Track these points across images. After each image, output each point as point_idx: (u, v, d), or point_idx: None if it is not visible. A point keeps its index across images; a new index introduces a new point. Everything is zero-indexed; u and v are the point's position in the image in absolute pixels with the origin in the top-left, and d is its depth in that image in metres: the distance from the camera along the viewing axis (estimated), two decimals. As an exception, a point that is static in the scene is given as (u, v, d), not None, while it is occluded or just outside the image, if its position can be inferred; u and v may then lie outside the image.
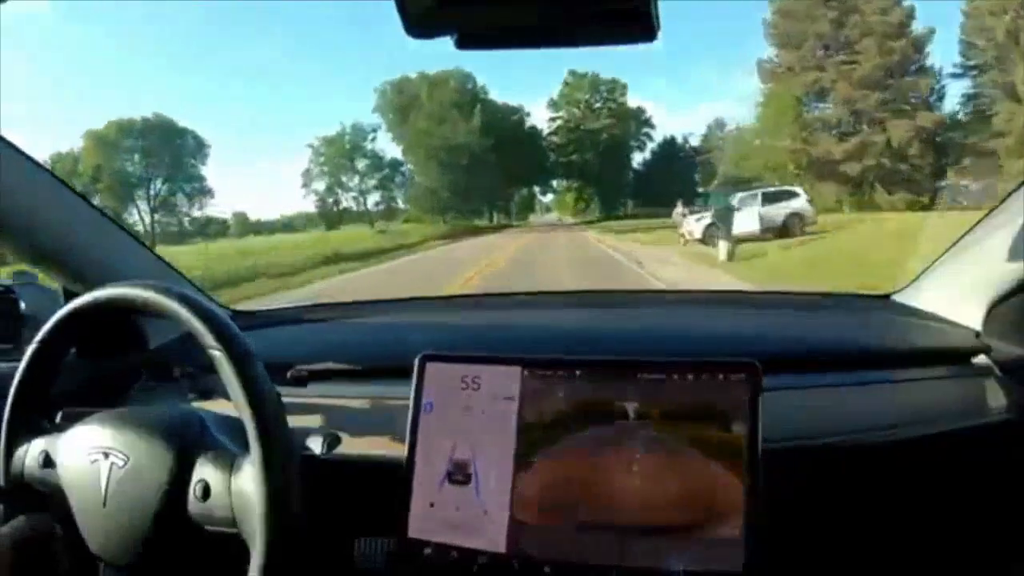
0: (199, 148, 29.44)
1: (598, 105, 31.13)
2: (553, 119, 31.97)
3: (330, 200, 30.96)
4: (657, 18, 0.37)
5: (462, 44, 0.41)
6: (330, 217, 30.35)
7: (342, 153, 30.75)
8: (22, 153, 0.75)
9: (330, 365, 0.82)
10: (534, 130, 32.78)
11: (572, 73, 29.63)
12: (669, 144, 33.11)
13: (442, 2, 0.38)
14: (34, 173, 0.77)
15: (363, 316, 1.11)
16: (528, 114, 32.58)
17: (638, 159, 33.09)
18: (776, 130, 19.21)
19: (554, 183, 34.10)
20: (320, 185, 31.00)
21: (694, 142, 32.35)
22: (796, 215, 11.47)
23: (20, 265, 0.91)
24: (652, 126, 33.05)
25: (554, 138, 31.83)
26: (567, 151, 31.06)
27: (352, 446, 0.70)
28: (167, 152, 27.67)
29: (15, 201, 0.75)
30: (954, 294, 0.82)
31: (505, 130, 30.51)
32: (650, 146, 33.18)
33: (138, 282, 0.61)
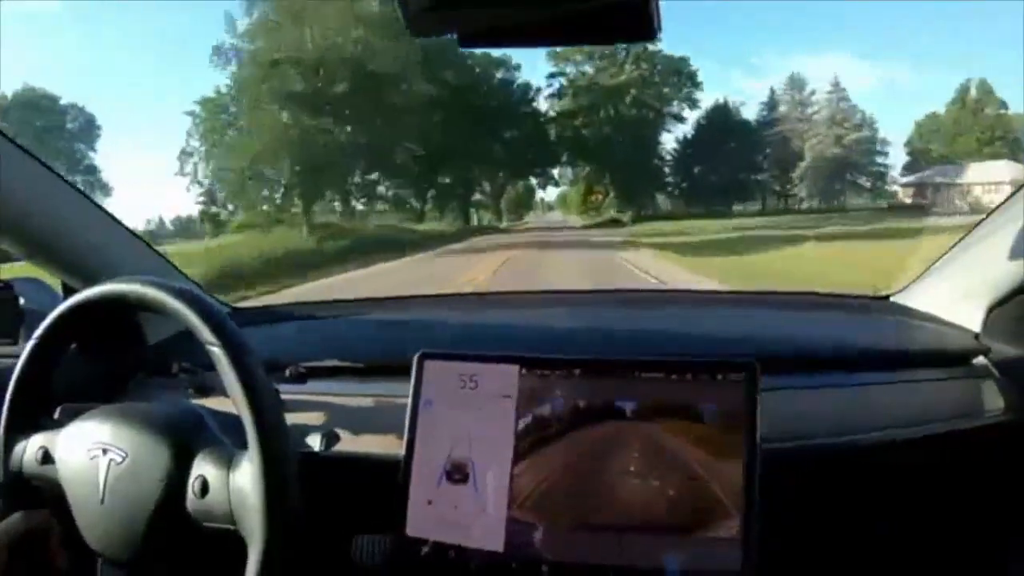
0: (89, 129, 21.13)
1: (620, 56, 19.38)
2: (554, 75, 20.43)
3: (221, 194, 18.07)
4: (659, 16, 0.37)
5: (463, 43, 0.42)
6: (218, 221, 17.99)
7: (231, 121, 17.48)
8: (19, 147, 0.75)
9: (329, 362, 0.82)
10: (527, 88, 20.89)
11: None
12: (720, 112, 20.80)
13: (442, 1, 0.38)
14: (32, 167, 0.77)
15: (362, 313, 1.11)
16: (518, 67, 20.60)
17: (675, 136, 20.88)
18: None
19: (556, 172, 22.03)
20: (205, 171, 17.85)
21: (747, 114, 20.60)
22: None
23: (26, 267, 0.90)
24: (698, 85, 20.62)
25: (555, 104, 20.52)
26: (574, 123, 20.01)
27: (351, 443, 0.70)
28: (48, 136, 19.70)
29: (13, 196, 0.75)
30: (953, 295, 0.82)
31: (481, 91, 19.64)
32: (692, 118, 21.13)
33: (137, 278, 0.61)
